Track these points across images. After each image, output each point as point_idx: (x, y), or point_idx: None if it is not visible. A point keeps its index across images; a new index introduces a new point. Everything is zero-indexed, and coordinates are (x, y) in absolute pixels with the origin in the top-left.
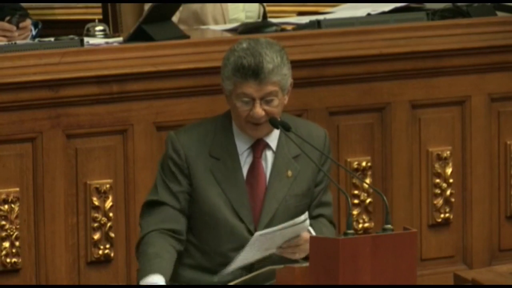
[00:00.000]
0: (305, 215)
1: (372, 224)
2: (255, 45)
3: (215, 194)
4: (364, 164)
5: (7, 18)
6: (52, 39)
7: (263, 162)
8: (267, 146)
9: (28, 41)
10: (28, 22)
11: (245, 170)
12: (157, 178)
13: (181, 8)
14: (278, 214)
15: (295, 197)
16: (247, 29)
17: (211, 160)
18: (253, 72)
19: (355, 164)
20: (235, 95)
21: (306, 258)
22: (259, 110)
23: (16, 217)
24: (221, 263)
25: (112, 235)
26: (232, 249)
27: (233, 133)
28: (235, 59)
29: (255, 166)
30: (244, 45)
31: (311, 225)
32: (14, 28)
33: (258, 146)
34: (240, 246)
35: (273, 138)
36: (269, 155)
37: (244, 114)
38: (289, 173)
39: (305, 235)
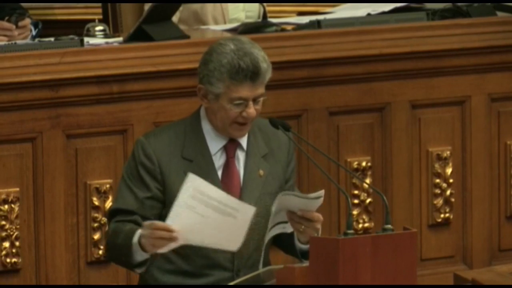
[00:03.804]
0: (321, 192)
1: (372, 224)
2: (242, 45)
3: None
4: (364, 164)
5: (6, 17)
6: (52, 39)
7: (236, 162)
8: (239, 146)
9: (28, 41)
10: (27, 21)
11: (219, 170)
12: (121, 184)
13: (181, 8)
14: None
15: (270, 196)
16: (247, 29)
17: (184, 163)
18: (252, 73)
19: (355, 164)
20: (227, 99)
21: (305, 257)
22: (253, 111)
23: (16, 217)
24: (203, 265)
25: None
26: (214, 250)
27: (204, 134)
28: (230, 61)
29: (228, 166)
30: (232, 46)
31: None
32: (14, 27)
33: (231, 146)
34: None
35: (244, 138)
36: (240, 155)
37: (234, 115)
38: (261, 172)
39: (319, 215)
